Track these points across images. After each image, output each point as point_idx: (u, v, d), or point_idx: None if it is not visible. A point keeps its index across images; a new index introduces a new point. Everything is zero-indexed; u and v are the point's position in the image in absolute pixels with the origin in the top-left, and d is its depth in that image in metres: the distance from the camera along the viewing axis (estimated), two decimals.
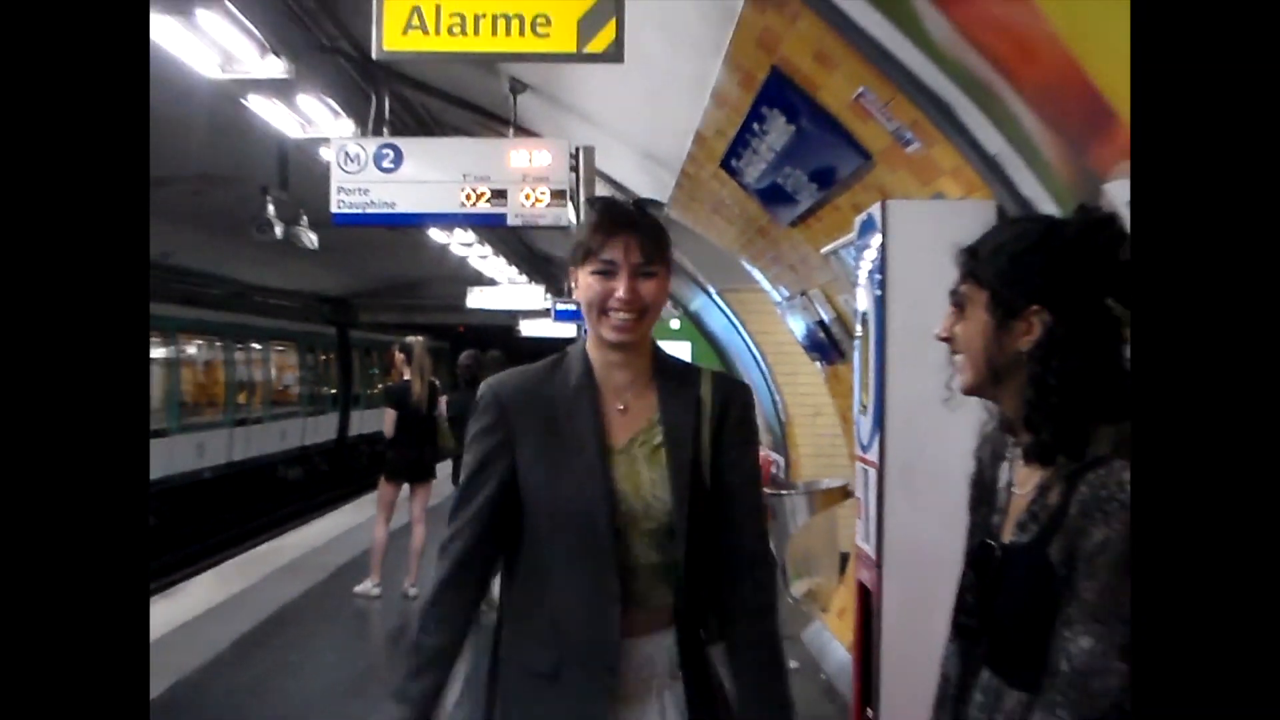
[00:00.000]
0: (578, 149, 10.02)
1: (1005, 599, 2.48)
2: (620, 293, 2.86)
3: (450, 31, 5.79)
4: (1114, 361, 2.37)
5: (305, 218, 16.93)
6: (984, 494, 2.66)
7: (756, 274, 12.44)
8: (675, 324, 20.70)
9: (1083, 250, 2.42)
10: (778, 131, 7.53)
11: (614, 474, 2.96)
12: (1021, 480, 2.53)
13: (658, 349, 3.12)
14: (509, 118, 11.51)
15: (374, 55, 6.08)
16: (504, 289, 27.91)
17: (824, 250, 7.45)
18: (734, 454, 3.05)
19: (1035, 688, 2.38)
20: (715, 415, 3.04)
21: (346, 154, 9.79)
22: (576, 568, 2.94)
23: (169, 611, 10.89)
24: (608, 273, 2.88)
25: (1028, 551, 2.40)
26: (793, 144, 7.49)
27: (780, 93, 6.87)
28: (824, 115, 6.62)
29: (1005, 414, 2.54)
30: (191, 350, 25.23)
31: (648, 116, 10.41)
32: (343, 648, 10.22)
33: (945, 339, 2.50)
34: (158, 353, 22.89)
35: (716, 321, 17.89)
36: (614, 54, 5.80)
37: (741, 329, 16.43)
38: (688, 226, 12.02)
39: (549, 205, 9.76)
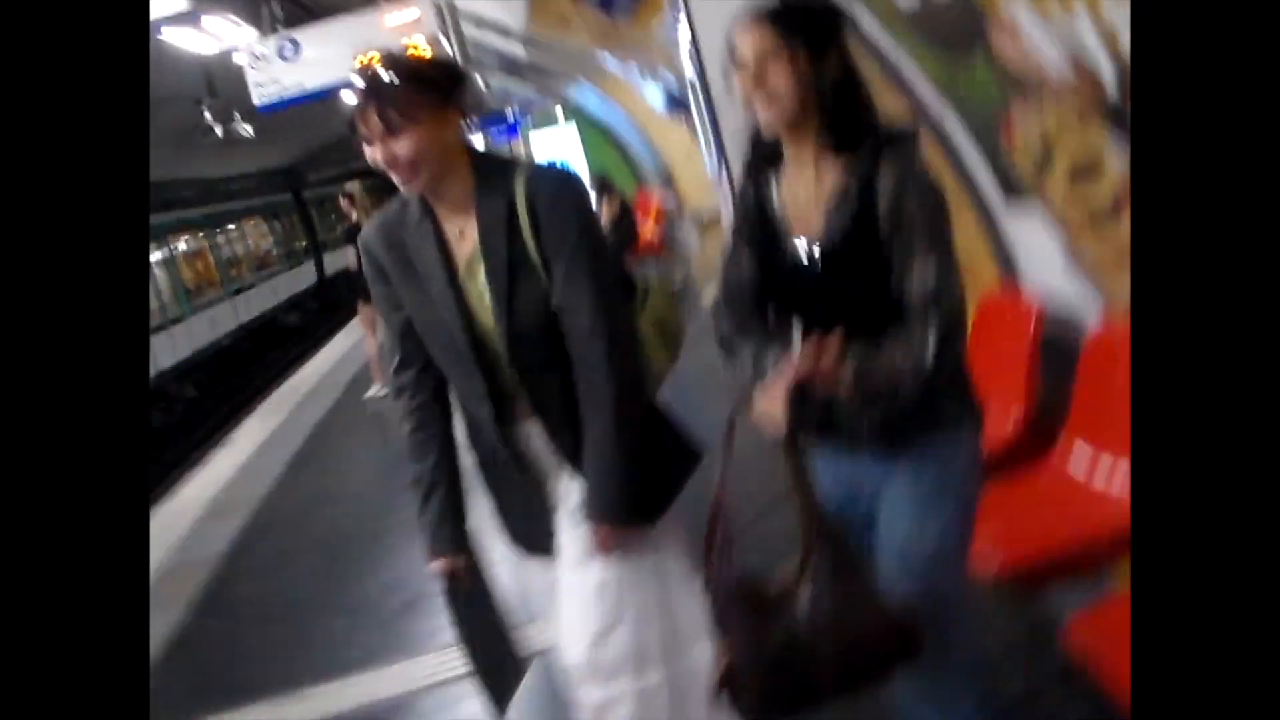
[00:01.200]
0: None
1: (845, 280, 2.55)
2: (377, 157, 2.59)
3: None
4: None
5: (237, 114, 16.70)
6: (760, 224, 2.69)
7: (613, 63, 12.43)
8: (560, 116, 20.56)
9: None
10: None
11: (466, 294, 2.71)
12: (792, 197, 2.62)
13: (480, 162, 2.74)
14: None
15: None
16: None
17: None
18: (553, 248, 2.64)
19: (872, 332, 2.47)
20: (529, 213, 2.64)
21: (254, 55, 9.80)
22: (455, 377, 2.81)
23: (231, 457, 11.05)
24: (368, 141, 2.59)
25: (855, 231, 2.48)
26: None
27: None
28: None
29: (794, 140, 2.58)
30: (182, 246, 24.84)
31: None
32: (369, 443, 10.45)
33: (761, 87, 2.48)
34: (157, 255, 22.57)
35: (592, 103, 17.84)
36: None
37: (616, 104, 16.45)
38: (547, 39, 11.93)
39: (429, 49, 9.67)
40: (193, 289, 24.41)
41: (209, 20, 10.68)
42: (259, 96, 10.19)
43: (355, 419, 11.64)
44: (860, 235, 2.48)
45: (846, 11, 2.64)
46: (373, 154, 2.59)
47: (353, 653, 5.49)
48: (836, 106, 2.51)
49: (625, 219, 14.20)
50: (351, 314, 14.06)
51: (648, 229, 16.39)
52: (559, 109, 20.52)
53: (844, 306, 2.55)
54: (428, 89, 2.61)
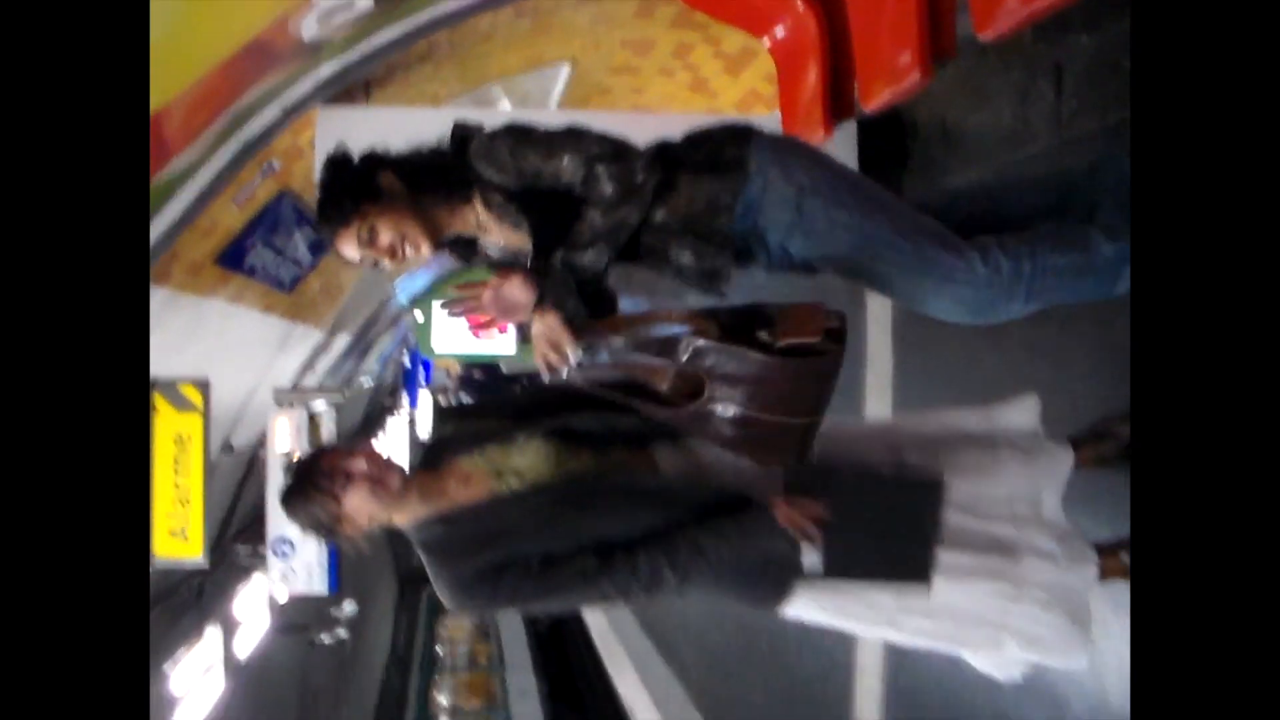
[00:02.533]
0: None
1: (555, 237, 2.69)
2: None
3: None
4: None
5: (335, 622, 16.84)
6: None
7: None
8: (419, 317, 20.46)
9: None
10: None
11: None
12: (503, 241, 2.82)
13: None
14: None
15: None
16: None
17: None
18: None
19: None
20: None
21: (280, 581, 9.90)
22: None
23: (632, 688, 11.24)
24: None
25: (535, 213, 2.67)
26: None
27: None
28: None
29: (452, 227, 2.80)
30: None
31: None
32: None
33: None
34: None
35: (414, 281, 17.82)
36: None
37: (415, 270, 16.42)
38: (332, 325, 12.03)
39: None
40: None
41: None
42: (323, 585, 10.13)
43: None
44: (534, 208, 2.68)
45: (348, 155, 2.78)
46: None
47: None
48: (427, 196, 2.72)
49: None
50: None
51: None
52: (415, 314, 20.47)
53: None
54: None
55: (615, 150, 2.62)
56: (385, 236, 2.67)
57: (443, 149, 2.75)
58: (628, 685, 12.94)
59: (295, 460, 2.90)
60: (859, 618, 2.92)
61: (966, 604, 2.83)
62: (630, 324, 2.71)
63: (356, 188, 2.67)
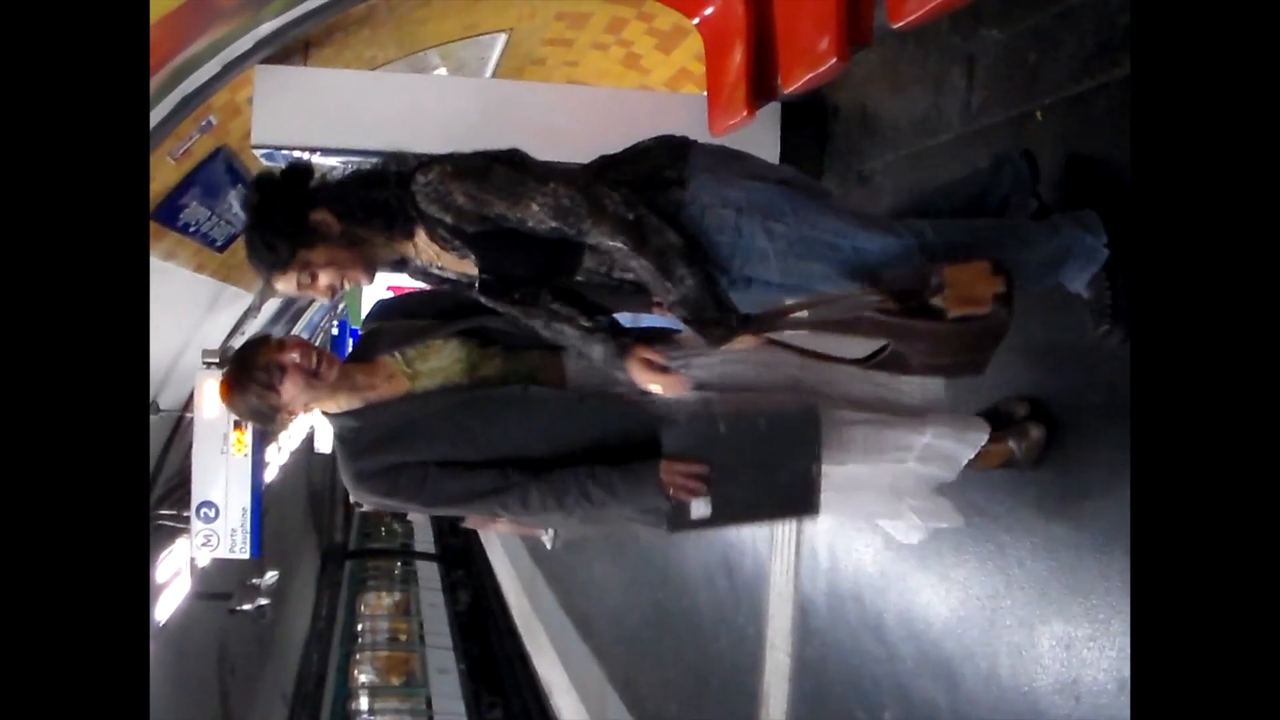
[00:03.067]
0: None
1: (509, 271, 2.75)
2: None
3: None
4: None
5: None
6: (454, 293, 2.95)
7: None
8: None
9: None
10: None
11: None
12: (445, 263, 2.83)
13: None
14: None
15: None
16: None
17: None
18: None
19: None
20: None
21: (202, 547, 9.82)
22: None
23: (553, 672, 11.27)
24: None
25: (482, 250, 2.70)
26: None
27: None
28: None
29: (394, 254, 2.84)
30: None
31: None
32: (604, 558, 10.65)
33: None
34: None
35: None
36: None
37: None
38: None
39: None
40: None
41: None
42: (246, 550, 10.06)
43: (565, 562, 11.96)
44: (487, 246, 2.68)
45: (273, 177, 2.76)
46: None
47: None
48: (365, 231, 2.71)
49: None
50: None
51: None
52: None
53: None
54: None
55: (587, 195, 2.61)
56: (324, 279, 2.70)
57: (378, 177, 2.71)
58: (546, 664, 13.02)
59: (232, 352, 3.03)
60: None
61: (866, 475, 3.03)
62: (807, 306, 2.85)
63: (291, 231, 2.65)
